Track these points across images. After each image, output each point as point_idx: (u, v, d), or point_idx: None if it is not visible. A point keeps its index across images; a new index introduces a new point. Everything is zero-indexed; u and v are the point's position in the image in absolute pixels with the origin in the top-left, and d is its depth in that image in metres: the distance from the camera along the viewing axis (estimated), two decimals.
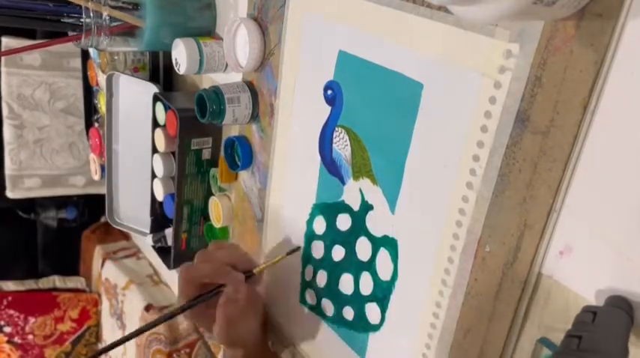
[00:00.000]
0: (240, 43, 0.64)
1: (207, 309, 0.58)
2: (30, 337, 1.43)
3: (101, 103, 1.03)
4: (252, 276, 0.60)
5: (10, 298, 1.43)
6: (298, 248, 0.62)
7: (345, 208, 0.55)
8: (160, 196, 0.82)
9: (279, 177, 0.63)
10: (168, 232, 0.84)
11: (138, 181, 0.88)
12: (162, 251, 0.88)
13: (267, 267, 0.61)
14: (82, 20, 0.66)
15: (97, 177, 1.13)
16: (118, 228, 0.97)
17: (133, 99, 0.87)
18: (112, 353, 1.43)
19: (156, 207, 0.84)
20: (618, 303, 0.34)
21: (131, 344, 1.33)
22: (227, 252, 0.61)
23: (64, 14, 0.67)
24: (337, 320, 0.59)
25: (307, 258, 0.61)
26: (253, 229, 0.70)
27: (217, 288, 0.58)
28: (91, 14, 0.65)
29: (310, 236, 0.60)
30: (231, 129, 0.73)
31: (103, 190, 0.96)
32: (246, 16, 0.64)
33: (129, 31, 0.69)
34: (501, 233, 0.40)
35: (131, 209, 0.95)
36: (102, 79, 1.03)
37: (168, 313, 0.57)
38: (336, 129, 0.54)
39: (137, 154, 0.87)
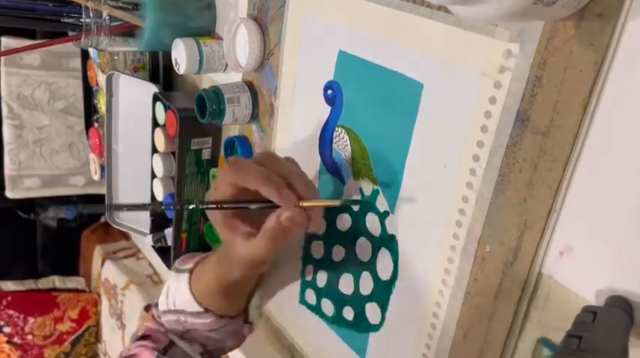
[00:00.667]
0: (240, 43, 0.64)
1: (233, 218, 0.49)
2: (29, 337, 1.43)
3: (101, 103, 1.03)
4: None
5: (9, 298, 1.43)
6: (358, 201, 0.53)
7: (345, 208, 0.55)
8: (159, 196, 0.82)
9: None
10: (168, 232, 0.84)
11: (138, 181, 0.88)
12: (162, 251, 0.88)
13: (319, 205, 0.49)
14: (81, 20, 0.66)
15: (96, 177, 1.13)
16: (118, 228, 0.97)
17: (133, 100, 0.87)
18: (111, 353, 1.43)
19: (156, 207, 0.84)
20: (618, 303, 0.34)
21: None
22: (288, 169, 0.49)
23: (63, 14, 0.67)
24: (337, 320, 0.59)
25: (307, 258, 0.61)
26: None
27: (269, 204, 0.47)
28: (91, 14, 0.65)
29: (310, 236, 0.60)
30: (231, 129, 0.73)
31: (103, 190, 0.96)
32: (246, 16, 0.64)
33: (129, 31, 0.69)
34: (501, 233, 0.40)
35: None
36: (102, 79, 1.03)
37: (203, 201, 0.49)
38: (336, 129, 0.54)
39: (137, 154, 0.87)
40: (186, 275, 0.59)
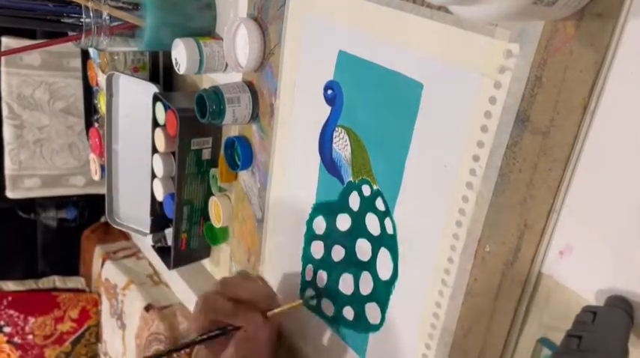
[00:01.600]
0: (240, 43, 0.64)
1: (217, 343, 0.58)
2: (30, 337, 1.43)
3: (101, 103, 1.03)
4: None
5: (10, 298, 1.43)
6: (315, 296, 0.61)
7: (345, 208, 0.55)
8: (159, 196, 0.82)
9: (279, 177, 0.63)
10: (168, 232, 0.84)
11: (138, 181, 0.88)
12: (162, 251, 0.88)
13: (283, 311, 0.60)
14: (81, 20, 0.66)
15: (97, 177, 1.13)
16: (118, 228, 0.97)
17: (133, 100, 0.87)
18: (111, 353, 1.43)
19: (156, 207, 0.84)
20: (618, 303, 0.34)
21: (131, 345, 1.33)
22: (251, 289, 0.61)
23: (63, 14, 0.67)
24: (337, 320, 0.59)
25: (307, 258, 0.61)
26: (253, 229, 0.70)
27: (235, 328, 0.58)
28: (91, 14, 0.65)
29: (310, 236, 0.60)
30: (231, 129, 0.73)
31: (103, 190, 0.96)
32: (246, 16, 0.64)
33: (129, 31, 0.69)
34: (501, 233, 0.40)
35: (131, 209, 0.95)
36: (102, 79, 1.03)
37: (184, 343, 0.59)
38: (336, 129, 0.54)
39: (137, 154, 0.87)
40: None
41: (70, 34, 0.68)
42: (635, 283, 0.34)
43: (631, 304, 0.34)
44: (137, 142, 0.87)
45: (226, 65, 0.69)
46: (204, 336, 0.57)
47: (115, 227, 0.98)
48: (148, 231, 0.88)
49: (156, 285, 1.33)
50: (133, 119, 0.88)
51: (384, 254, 0.51)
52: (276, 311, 0.60)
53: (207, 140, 0.75)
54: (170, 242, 0.82)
